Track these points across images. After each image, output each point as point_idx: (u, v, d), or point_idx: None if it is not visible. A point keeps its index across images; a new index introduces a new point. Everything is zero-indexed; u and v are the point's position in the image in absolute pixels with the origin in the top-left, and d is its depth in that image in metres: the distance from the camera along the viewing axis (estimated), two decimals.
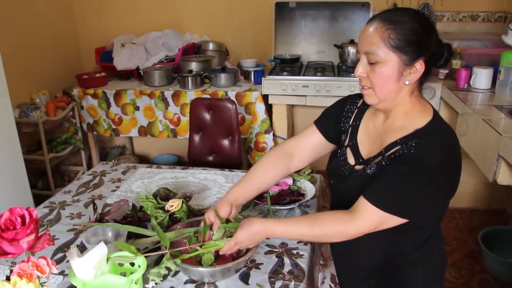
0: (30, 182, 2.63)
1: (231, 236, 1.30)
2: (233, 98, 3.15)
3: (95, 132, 3.57)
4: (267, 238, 1.50)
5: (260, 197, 1.72)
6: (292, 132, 3.71)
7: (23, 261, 1.03)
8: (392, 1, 3.47)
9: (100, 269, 1.16)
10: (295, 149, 1.48)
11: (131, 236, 1.45)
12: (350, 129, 1.39)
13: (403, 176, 1.13)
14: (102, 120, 3.47)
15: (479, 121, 2.22)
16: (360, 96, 1.39)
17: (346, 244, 1.26)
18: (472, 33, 3.48)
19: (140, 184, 1.98)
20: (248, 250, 1.33)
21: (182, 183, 1.99)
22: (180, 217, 1.55)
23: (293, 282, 1.30)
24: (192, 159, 2.68)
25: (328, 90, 3.07)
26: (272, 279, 1.31)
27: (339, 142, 1.43)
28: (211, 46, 3.69)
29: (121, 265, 1.30)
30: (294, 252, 1.45)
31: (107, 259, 1.20)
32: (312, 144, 1.47)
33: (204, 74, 3.37)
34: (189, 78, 3.26)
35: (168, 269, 1.32)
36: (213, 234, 1.35)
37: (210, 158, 2.67)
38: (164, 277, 1.32)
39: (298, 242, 1.49)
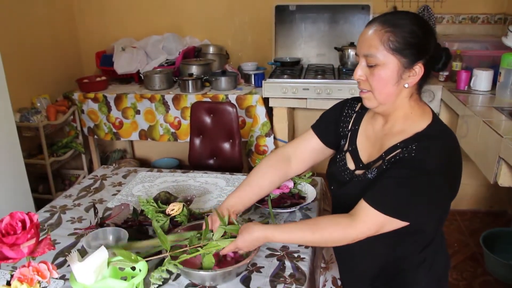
0: (31, 186, 2.64)
1: (232, 237, 1.30)
2: (233, 101, 3.16)
3: (95, 136, 3.57)
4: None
5: (261, 200, 1.72)
6: (292, 135, 3.71)
7: (24, 266, 1.03)
8: (392, 4, 3.51)
9: (101, 273, 1.16)
10: (293, 154, 1.48)
11: (131, 240, 1.45)
12: (349, 134, 1.38)
13: (404, 180, 1.13)
14: (102, 124, 3.47)
15: (480, 123, 2.22)
16: (358, 100, 1.39)
17: (350, 248, 1.26)
18: (472, 35, 3.48)
19: (141, 188, 1.98)
20: (249, 253, 1.33)
21: (183, 186, 1.99)
22: (181, 220, 1.55)
23: (294, 286, 1.29)
24: (193, 163, 2.68)
25: (329, 93, 3.08)
26: (273, 283, 1.31)
27: (337, 147, 1.43)
28: (211, 50, 3.70)
29: (122, 269, 1.29)
30: (295, 255, 1.44)
31: (108, 263, 1.20)
32: (310, 149, 1.47)
33: (205, 78, 3.37)
34: (190, 82, 3.26)
35: (170, 272, 1.32)
36: (213, 235, 1.35)
37: (211, 161, 2.67)
38: (165, 281, 1.32)
39: (299, 246, 1.49)
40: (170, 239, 1.35)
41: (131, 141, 4.19)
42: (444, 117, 2.93)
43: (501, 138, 1.97)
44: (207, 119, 2.64)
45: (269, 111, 3.26)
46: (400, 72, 1.15)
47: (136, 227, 1.56)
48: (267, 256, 1.43)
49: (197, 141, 2.67)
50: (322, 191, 1.94)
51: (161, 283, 1.28)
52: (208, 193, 1.92)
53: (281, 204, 1.72)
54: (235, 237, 1.30)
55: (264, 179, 1.46)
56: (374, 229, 1.16)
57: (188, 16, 3.83)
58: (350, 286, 1.50)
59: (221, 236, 1.33)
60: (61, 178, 3.64)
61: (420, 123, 1.20)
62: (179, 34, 3.75)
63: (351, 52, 3.36)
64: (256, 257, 1.41)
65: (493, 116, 2.29)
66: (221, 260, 1.36)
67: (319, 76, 3.21)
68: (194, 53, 3.65)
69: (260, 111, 3.20)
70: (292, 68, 3.47)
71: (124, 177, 2.10)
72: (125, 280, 1.28)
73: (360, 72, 1.20)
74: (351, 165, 1.34)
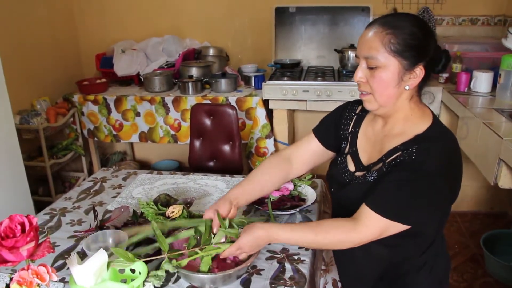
0: (30, 188, 2.63)
1: (232, 242, 1.30)
2: (233, 103, 3.16)
3: (95, 138, 3.57)
4: (269, 244, 1.50)
5: (261, 202, 1.72)
6: (293, 137, 3.71)
7: (23, 269, 1.03)
8: (392, 5, 3.51)
9: (100, 276, 1.16)
10: (294, 156, 1.49)
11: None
12: (349, 136, 1.38)
13: (405, 183, 1.12)
14: (102, 126, 3.47)
15: (480, 124, 2.22)
16: (359, 102, 1.39)
17: (350, 251, 1.26)
18: (472, 36, 3.48)
19: (140, 190, 1.98)
20: (249, 256, 1.33)
21: (182, 189, 1.99)
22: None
23: None
24: (193, 165, 2.67)
25: (329, 95, 3.07)
26: (273, 285, 1.30)
27: (338, 149, 1.43)
28: (211, 52, 3.70)
29: (121, 271, 1.29)
30: (296, 257, 1.44)
31: (108, 266, 1.20)
32: (310, 152, 1.47)
33: (205, 80, 3.37)
34: (190, 84, 3.26)
35: (168, 273, 1.31)
36: (213, 238, 1.35)
37: (211, 163, 2.66)
38: (165, 283, 1.31)
39: (299, 248, 1.49)
40: (169, 242, 1.35)
41: (131, 143, 4.19)
42: (444, 118, 2.93)
43: (501, 139, 1.97)
44: (207, 121, 2.64)
45: (269, 113, 3.26)
46: (401, 74, 1.15)
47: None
48: (267, 259, 1.43)
49: (197, 143, 2.67)
50: (322, 193, 1.93)
51: (158, 284, 1.28)
52: (208, 195, 1.92)
53: (281, 206, 1.71)
54: (234, 241, 1.29)
55: (266, 177, 1.46)
56: (377, 234, 1.16)
57: (188, 18, 3.83)
58: None
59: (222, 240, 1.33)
60: (61, 181, 3.64)
61: (420, 125, 1.20)
62: (179, 36, 3.75)
63: (351, 54, 3.36)
64: (256, 259, 1.41)
65: (493, 118, 2.29)
66: (221, 262, 1.36)
67: (319, 78, 3.21)
68: (194, 55, 3.66)
69: (260, 113, 3.20)
70: (292, 70, 3.47)
71: (124, 179, 2.10)
72: (125, 282, 1.28)
73: (360, 74, 1.20)
74: (351, 167, 1.34)
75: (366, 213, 1.15)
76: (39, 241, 1.12)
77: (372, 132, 1.32)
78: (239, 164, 2.61)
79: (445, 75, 3.01)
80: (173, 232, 1.46)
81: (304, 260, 1.42)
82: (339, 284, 1.71)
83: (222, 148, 2.63)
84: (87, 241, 1.40)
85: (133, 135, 3.46)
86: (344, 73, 3.33)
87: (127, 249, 1.37)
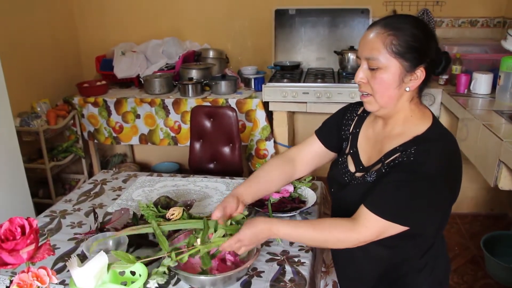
0: (31, 190, 2.63)
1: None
2: (233, 105, 3.16)
3: (96, 140, 3.57)
4: (270, 242, 1.50)
5: (261, 204, 1.72)
6: (293, 138, 3.71)
7: (23, 272, 1.03)
8: (392, 7, 3.52)
9: (100, 278, 1.16)
10: (297, 157, 1.49)
11: (132, 245, 1.45)
12: (350, 136, 1.39)
13: (403, 184, 1.13)
14: (102, 128, 3.47)
15: (480, 126, 2.22)
16: (360, 104, 1.40)
17: (350, 252, 1.26)
18: (471, 38, 3.49)
19: (140, 193, 1.98)
20: (249, 257, 1.33)
21: (183, 191, 1.99)
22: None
23: None
24: (193, 167, 2.68)
25: (329, 97, 3.08)
26: (273, 287, 1.30)
27: (340, 150, 1.43)
28: (211, 54, 3.70)
29: (122, 274, 1.29)
30: (296, 259, 1.44)
31: (108, 268, 1.20)
32: (313, 153, 1.48)
33: (205, 82, 3.38)
34: (190, 86, 3.27)
35: (168, 274, 1.31)
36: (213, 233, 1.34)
37: (211, 165, 2.67)
38: (166, 286, 1.31)
39: (299, 250, 1.49)
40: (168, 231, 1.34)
41: (131, 145, 4.19)
42: (444, 120, 2.93)
43: (501, 141, 1.97)
44: (207, 123, 2.64)
45: (269, 115, 3.26)
46: (402, 76, 1.16)
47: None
48: (267, 261, 1.43)
49: (197, 145, 2.67)
50: (322, 195, 1.94)
51: (163, 280, 1.27)
52: (208, 197, 1.92)
53: (281, 208, 1.71)
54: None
55: (271, 176, 1.46)
56: (376, 234, 1.16)
57: (188, 20, 3.84)
58: None
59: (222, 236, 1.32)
60: (61, 183, 3.64)
61: (420, 126, 1.20)
62: (179, 38, 3.76)
63: (351, 56, 3.36)
64: (256, 261, 1.41)
65: (493, 120, 2.29)
66: (221, 263, 1.36)
67: (319, 80, 3.21)
68: (194, 57, 3.66)
69: (260, 115, 3.20)
70: (292, 72, 3.47)
71: (124, 181, 2.10)
72: (125, 285, 1.28)
73: (361, 74, 1.20)
74: (351, 167, 1.35)
75: (365, 214, 1.16)
76: (39, 244, 1.12)
77: (373, 133, 1.33)
78: (239, 166, 2.61)
79: (445, 76, 3.01)
80: (173, 234, 1.47)
81: (304, 262, 1.42)
82: (339, 286, 1.71)
83: (222, 150, 2.63)
84: (87, 244, 1.40)
85: (133, 137, 3.46)
86: (344, 75, 3.34)
87: (127, 251, 1.37)
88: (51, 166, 3.22)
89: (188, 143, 2.76)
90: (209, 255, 1.31)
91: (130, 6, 3.86)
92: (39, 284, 1.02)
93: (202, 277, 1.27)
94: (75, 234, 1.64)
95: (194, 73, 3.39)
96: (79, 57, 4.04)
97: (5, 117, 2.42)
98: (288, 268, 1.40)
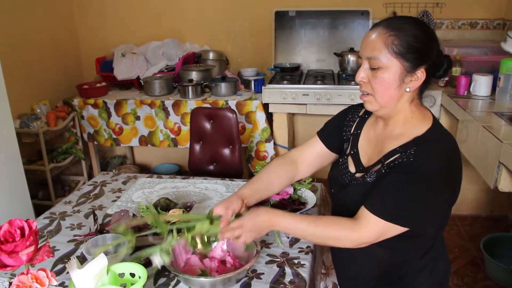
0: (30, 192, 2.63)
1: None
2: (233, 107, 3.16)
3: (95, 142, 3.57)
4: (270, 244, 1.50)
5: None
6: (293, 140, 3.71)
7: (23, 273, 1.03)
8: (392, 9, 3.52)
9: (100, 280, 1.16)
10: (298, 158, 1.49)
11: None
12: (351, 137, 1.39)
13: (403, 185, 1.13)
14: (102, 129, 3.47)
15: (480, 128, 2.22)
16: (362, 106, 1.40)
17: (350, 253, 1.26)
18: (471, 40, 3.49)
19: (140, 194, 1.97)
20: (249, 259, 1.33)
21: (182, 192, 1.98)
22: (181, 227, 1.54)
23: None
24: (193, 168, 2.67)
25: (329, 99, 3.08)
26: None
27: (341, 151, 1.44)
28: (211, 55, 3.70)
29: (121, 276, 1.29)
30: (296, 261, 1.44)
31: (107, 270, 1.19)
32: (315, 154, 1.48)
33: (205, 83, 3.38)
34: (190, 88, 3.27)
35: (168, 277, 1.31)
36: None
37: (211, 167, 2.66)
38: (166, 287, 1.31)
39: (299, 252, 1.49)
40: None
41: (131, 147, 4.19)
42: (444, 122, 2.93)
43: (501, 143, 1.97)
44: (207, 125, 2.64)
45: (269, 117, 3.26)
46: (402, 76, 1.16)
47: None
48: (267, 263, 1.43)
49: (197, 147, 2.67)
50: (322, 196, 1.93)
51: (168, 259, 1.27)
52: (208, 199, 1.91)
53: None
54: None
55: (274, 178, 1.46)
56: (376, 236, 1.16)
57: (188, 22, 3.84)
58: None
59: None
60: (61, 184, 3.64)
61: (420, 127, 1.21)
62: (179, 40, 3.76)
63: (350, 57, 3.37)
64: (256, 263, 1.41)
65: (493, 121, 2.29)
66: (221, 265, 1.36)
67: (318, 82, 3.21)
68: (194, 59, 3.66)
69: (260, 116, 3.20)
70: (292, 74, 3.48)
71: (124, 183, 2.10)
72: (125, 287, 1.27)
73: (362, 74, 1.21)
74: (352, 168, 1.35)
75: (365, 215, 1.16)
76: (39, 245, 1.12)
77: (374, 134, 1.33)
78: (239, 168, 2.61)
79: (445, 78, 3.01)
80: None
81: (304, 264, 1.42)
82: (339, 287, 1.71)
83: (222, 152, 2.63)
84: (87, 245, 1.40)
85: (133, 139, 3.46)
86: (344, 76, 3.34)
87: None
88: (50, 168, 3.22)
89: (188, 145, 2.75)
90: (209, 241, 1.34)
91: (130, 7, 3.86)
92: (39, 286, 1.02)
93: (202, 279, 1.27)
94: (75, 236, 1.63)
95: (194, 75, 3.39)
96: (79, 58, 4.04)
97: (4, 118, 2.42)
98: (288, 270, 1.39)
